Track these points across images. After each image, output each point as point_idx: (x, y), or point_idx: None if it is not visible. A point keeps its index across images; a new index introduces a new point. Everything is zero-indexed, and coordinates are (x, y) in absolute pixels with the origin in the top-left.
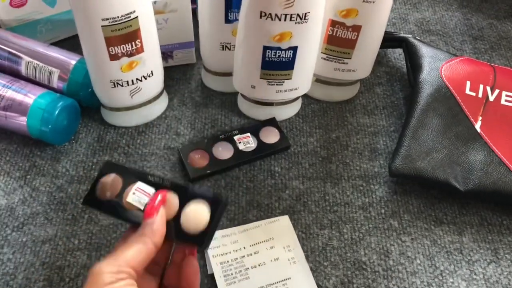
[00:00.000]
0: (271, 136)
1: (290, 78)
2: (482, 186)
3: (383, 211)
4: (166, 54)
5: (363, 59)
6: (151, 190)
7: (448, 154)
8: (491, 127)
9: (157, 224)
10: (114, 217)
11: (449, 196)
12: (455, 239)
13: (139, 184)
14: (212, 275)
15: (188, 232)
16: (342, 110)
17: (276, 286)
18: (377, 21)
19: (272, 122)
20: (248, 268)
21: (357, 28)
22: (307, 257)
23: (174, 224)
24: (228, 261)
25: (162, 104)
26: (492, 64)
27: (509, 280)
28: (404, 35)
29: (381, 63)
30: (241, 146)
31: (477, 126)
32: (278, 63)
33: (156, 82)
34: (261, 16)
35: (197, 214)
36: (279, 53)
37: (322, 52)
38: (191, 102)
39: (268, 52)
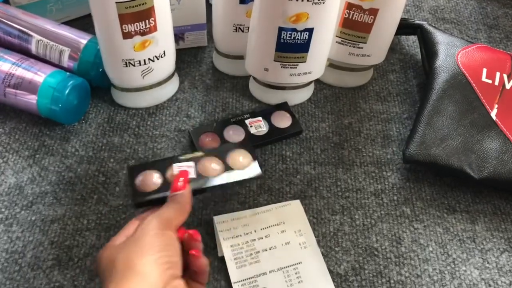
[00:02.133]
0: (283, 121)
1: (305, 61)
2: (497, 174)
3: (395, 197)
4: (177, 36)
5: (379, 44)
6: (190, 163)
7: (463, 142)
8: (507, 115)
9: (188, 193)
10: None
11: (462, 184)
12: (468, 227)
13: (176, 166)
14: (223, 258)
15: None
16: (355, 96)
17: (287, 270)
18: (394, 5)
19: (284, 106)
20: (258, 252)
21: (374, 12)
22: (318, 242)
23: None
24: (238, 244)
25: (173, 86)
26: (509, 52)
27: None
28: (419, 22)
29: (394, 50)
30: (252, 130)
31: (493, 114)
32: (293, 45)
33: (168, 63)
34: None
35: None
36: (294, 34)
37: (337, 36)
38: (202, 85)
39: (284, 33)
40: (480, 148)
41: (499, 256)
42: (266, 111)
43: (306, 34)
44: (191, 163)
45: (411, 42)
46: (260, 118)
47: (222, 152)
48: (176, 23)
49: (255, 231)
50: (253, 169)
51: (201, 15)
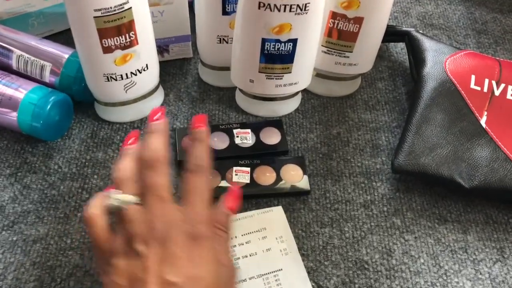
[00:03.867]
0: (270, 137)
1: (290, 72)
2: (488, 183)
3: (385, 209)
4: (161, 48)
5: (365, 52)
6: (247, 168)
7: (453, 150)
8: (497, 122)
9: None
10: None
11: (453, 193)
12: (459, 237)
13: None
14: None
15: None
16: (343, 105)
17: (267, 277)
18: (379, 13)
19: (277, 124)
20: (239, 258)
21: (359, 20)
22: (305, 255)
23: None
24: None
25: (157, 99)
26: (498, 58)
27: None
28: (407, 28)
29: (382, 57)
30: (237, 140)
31: (482, 122)
32: (277, 56)
33: (152, 76)
34: (259, 7)
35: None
36: (278, 45)
37: (322, 45)
38: (187, 97)
39: (267, 44)
40: (470, 156)
41: (492, 267)
42: (257, 125)
43: (290, 45)
44: (248, 169)
45: (399, 49)
46: (248, 130)
47: (277, 163)
48: (160, 35)
49: (236, 237)
50: (301, 185)
51: (185, 26)
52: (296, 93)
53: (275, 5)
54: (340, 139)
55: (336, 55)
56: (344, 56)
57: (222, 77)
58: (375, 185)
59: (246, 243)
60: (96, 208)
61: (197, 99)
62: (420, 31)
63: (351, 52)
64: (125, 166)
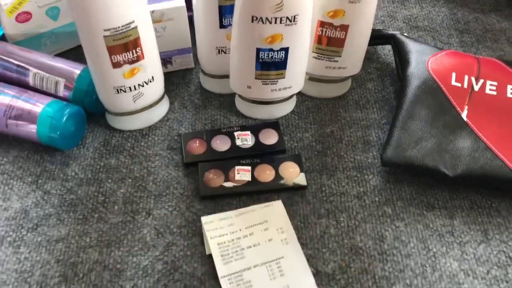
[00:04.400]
0: (269, 138)
1: (284, 77)
2: (470, 171)
3: (377, 199)
4: (165, 60)
5: (353, 56)
6: (248, 167)
7: (437, 143)
8: (477, 115)
9: None
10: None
11: (439, 183)
12: (446, 222)
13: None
14: (210, 255)
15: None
16: (335, 105)
17: (269, 264)
18: (363, 20)
19: (274, 125)
20: (243, 248)
21: (344, 28)
22: (304, 244)
23: None
24: (225, 242)
25: (163, 108)
26: (477, 56)
27: (498, 259)
28: (392, 32)
29: (371, 59)
30: (238, 142)
31: (464, 115)
32: (271, 64)
33: (157, 87)
34: (252, 20)
35: None
36: (271, 54)
37: (313, 52)
38: (191, 104)
39: (261, 53)
40: (453, 147)
41: (477, 248)
42: (256, 127)
43: (282, 53)
44: (249, 168)
45: (387, 51)
46: (248, 132)
47: (275, 161)
48: (164, 48)
49: (240, 230)
50: (299, 181)
51: (186, 40)
52: (291, 96)
53: (266, 18)
54: (333, 136)
55: (326, 60)
56: (333, 61)
57: (222, 84)
58: (367, 178)
59: (250, 235)
60: None
61: (200, 106)
62: (405, 34)
63: (340, 56)
64: None
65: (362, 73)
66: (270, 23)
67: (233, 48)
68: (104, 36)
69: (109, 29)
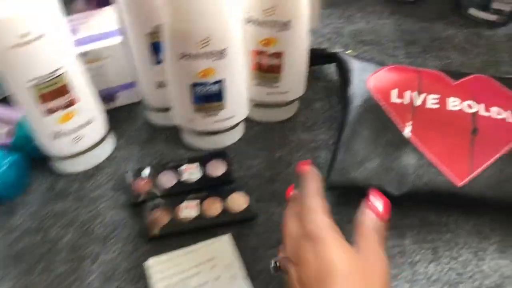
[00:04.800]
0: (217, 169)
1: (224, 108)
2: (415, 188)
3: None
4: (108, 97)
5: (292, 81)
6: (195, 201)
7: (381, 162)
8: (420, 131)
9: None
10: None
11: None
12: (396, 243)
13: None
14: None
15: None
16: (283, 129)
17: None
18: (296, 46)
19: (222, 155)
20: None
21: (279, 55)
22: (254, 278)
23: None
24: (171, 284)
25: (108, 146)
26: (418, 69)
27: (449, 277)
28: (334, 51)
29: (318, 78)
30: (185, 176)
31: (406, 132)
32: (208, 97)
33: (98, 127)
34: (182, 57)
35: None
36: (206, 87)
37: (252, 79)
38: (137, 140)
39: (196, 88)
40: (397, 165)
41: (427, 266)
42: (204, 158)
43: (217, 85)
44: (195, 202)
45: (334, 69)
46: (196, 164)
47: (223, 193)
48: (105, 85)
49: (187, 270)
50: (247, 212)
51: (127, 75)
52: (237, 124)
53: (195, 54)
54: (282, 161)
55: (266, 87)
56: (274, 87)
57: (167, 117)
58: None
59: (197, 274)
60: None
61: (147, 141)
62: (347, 52)
63: (279, 82)
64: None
65: (310, 93)
66: (200, 58)
67: (168, 84)
68: (30, 86)
69: (33, 79)
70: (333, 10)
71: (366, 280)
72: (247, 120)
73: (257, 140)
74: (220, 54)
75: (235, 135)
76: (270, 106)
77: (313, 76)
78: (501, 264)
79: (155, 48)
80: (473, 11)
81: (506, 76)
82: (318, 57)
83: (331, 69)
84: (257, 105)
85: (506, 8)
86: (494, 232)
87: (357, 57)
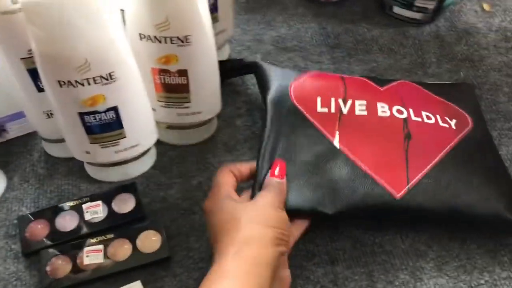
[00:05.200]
0: (125, 205)
1: (125, 137)
2: (351, 204)
3: None
4: None
5: (204, 100)
6: (99, 246)
7: (310, 180)
8: (350, 139)
9: (285, 182)
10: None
11: (319, 223)
12: (328, 270)
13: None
14: None
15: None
16: (202, 151)
17: None
18: (202, 61)
19: (130, 188)
20: None
21: (183, 73)
22: None
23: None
24: None
25: None
26: (342, 75)
27: None
28: (253, 60)
29: (239, 92)
30: (87, 216)
31: (336, 142)
32: (103, 126)
33: None
34: (61, 85)
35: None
36: (99, 116)
37: (159, 101)
38: (34, 176)
39: (86, 117)
40: (329, 180)
41: None
42: (108, 194)
43: (111, 113)
44: (100, 246)
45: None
46: (99, 202)
47: (133, 233)
48: None
49: None
50: (161, 251)
51: (14, 104)
52: (147, 151)
53: (76, 81)
54: (201, 189)
55: (176, 107)
56: (184, 107)
57: (67, 148)
58: None
59: None
60: None
61: (45, 176)
62: (267, 60)
63: (189, 102)
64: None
65: (230, 109)
66: (83, 85)
67: (55, 114)
68: None
69: None
70: (251, 16)
71: (259, 224)
72: (160, 144)
73: (171, 167)
74: (107, 79)
75: (146, 164)
76: (186, 128)
77: (233, 91)
78: (440, 282)
79: (35, 74)
80: (398, 10)
81: (430, 82)
82: (235, 68)
83: (254, 80)
84: (171, 127)
85: (429, 5)
86: (431, 248)
87: (275, 64)
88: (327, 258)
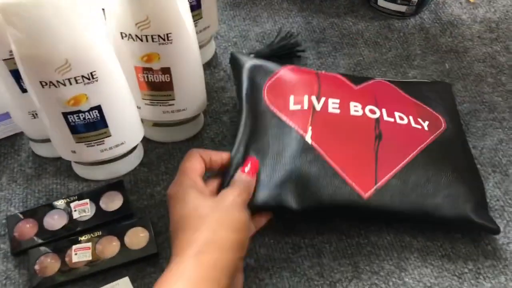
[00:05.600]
0: (112, 202)
1: (110, 135)
2: (319, 201)
3: None
4: None
5: (189, 97)
6: (88, 244)
7: (278, 175)
8: (322, 137)
9: (254, 182)
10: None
11: (307, 218)
12: (314, 262)
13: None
14: None
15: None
16: (189, 148)
17: None
18: (184, 59)
19: (118, 186)
20: None
21: (166, 70)
22: None
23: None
24: None
25: None
26: (316, 71)
27: None
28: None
29: (225, 88)
30: (75, 215)
31: (308, 138)
32: (87, 125)
33: None
34: (43, 86)
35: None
36: (82, 115)
37: (143, 99)
38: (22, 176)
39: (70, 117)
40: (297, 176)
41: (348, 285)
42: (96, 192)
43: (95, 112)
44: (89, 244)
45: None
46: (87, 200)
47: (120, 230)
48: None
49: None
50: (149, 248)
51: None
52: (133, 149)
53: (58, 81)
54: None
55: (160, 105)
56: (168, 105)
57: (53, 148)
58: None
59: None
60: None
61: (32, 176)
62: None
63: (174, 99)
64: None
65: (217, 105)
66: (64, 85)
67: (39, 114)
68: None
69: None
70: (237, 11)
71: (222, 228)
72: (147, 141)
73: (159, 164)
74: (89, 78)
75: (132, 162)
76: (172, 125)
77: (220, 87)
78: (424, 272)
79: (18, 75)
80: (382, 3)
81: (405, 80)
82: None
83: None
84: (157, 124)
85: None
86: (415, 239)
87: (249, 57)
88: (313, 251)
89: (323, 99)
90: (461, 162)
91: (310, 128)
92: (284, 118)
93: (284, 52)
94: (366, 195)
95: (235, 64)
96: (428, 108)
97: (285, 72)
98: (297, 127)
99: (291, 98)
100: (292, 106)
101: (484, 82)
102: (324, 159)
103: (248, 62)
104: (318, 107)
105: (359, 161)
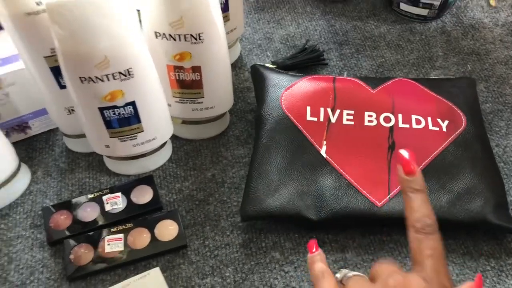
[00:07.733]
0: (143, 196)
1: (142, 131)
2: (334, 212)
3: (263, 244)
4: (21, 126)
5: (217, 95)
6: (120, 235)
7: (297, 186)
8: (336, 149)
9: None
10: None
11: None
12: (338, 257)
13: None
14: None
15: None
16: (216, 145)
17: None
18: (214, 58)
19: (148, 180)
20: None
21: (197, 69)
22: None
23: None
24: None
25: (23, 181)
26: (335, 77)
27: None
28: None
29: (249, 88)
30: (107, 207)
31: (323, 152)
32: (122, 120)
33: (5, 163)
34: (82, 81)
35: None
36: (117, 110)
37: (174, 96)
38: (56, 170)
39: (106, 112)
40: (314, 188)
41: None
42: (127, 186)
43: (129, 107)
44: (120, 235)
45: None
46: (118, 193)
47: (151, 222)
48: (14, 114)
49: None
50: (178, 240)
51: (37, 102)
52: (163, 145)
53: (96, 77)
54: (215, 181)
55: (190, 103)
56: (198, 103)
57: (87, 143)
58: (252, 221)
59: None
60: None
61: (66, 170)
62: (264, 64)
63: (203, 97)
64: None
65: (242, 104)
66: (102, 81)
67: (76, 110)
68: None
69: None
70: (262, 15)
71: None
72: (176, 139)
73: (187, 160)
74: (125, 75)
75: (162, 157)
76: (200, 122)
77: (245, 86)
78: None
79: (57, 72)
80: (404, 7)
81: (432, 77)
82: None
83: None
84: (186, 122)
85: (435, 1)
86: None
87: (271, 69)
88: (337, 246)
89: (338, 111)
90: (479, 163)
91: (324, 142)
92: (300, 127)
93: (307, 64)
94: (379, 203)
95: (257, 80)
96: (450, 104)
97: (303, 83)
98: (313, 140)
99: (308, 109)
100: (309, 117)
101: (506, 83)
102: (339, 172)
103: (270, 77)
104: (333, 119)
105: (372, 172)
